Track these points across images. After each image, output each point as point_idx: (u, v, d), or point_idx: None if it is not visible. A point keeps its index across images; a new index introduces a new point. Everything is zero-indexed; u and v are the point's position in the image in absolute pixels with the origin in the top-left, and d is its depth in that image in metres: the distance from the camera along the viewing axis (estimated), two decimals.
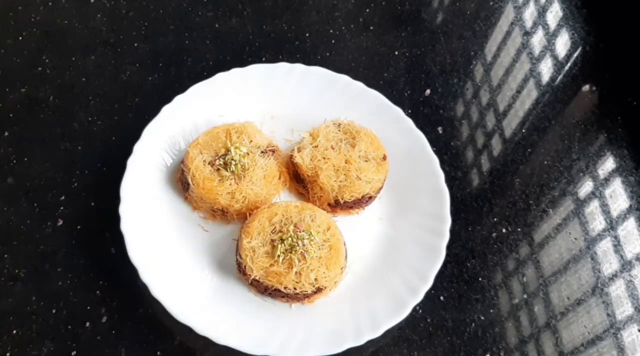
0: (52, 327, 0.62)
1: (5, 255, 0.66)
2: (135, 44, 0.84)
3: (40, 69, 0.81)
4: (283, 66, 0.78)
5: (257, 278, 0.62)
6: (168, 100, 0.72)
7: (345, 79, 0.77)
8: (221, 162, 0.67)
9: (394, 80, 0.83)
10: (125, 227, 0.63)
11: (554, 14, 0.91)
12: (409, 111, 0.80)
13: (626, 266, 0.70)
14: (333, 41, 0.87)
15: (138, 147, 0.69)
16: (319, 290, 0.63)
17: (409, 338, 0.64)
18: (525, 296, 0.68)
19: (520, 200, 0.74)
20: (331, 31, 0.88)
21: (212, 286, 0.64)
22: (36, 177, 0.72)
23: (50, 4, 0.88)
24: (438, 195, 0.69)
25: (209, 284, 0.64)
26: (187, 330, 0.60)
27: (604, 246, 0.71)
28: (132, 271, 0.62)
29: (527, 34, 0.89)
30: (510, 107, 0.82)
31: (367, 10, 0.91)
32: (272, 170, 0.69)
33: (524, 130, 0.80)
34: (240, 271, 0.64)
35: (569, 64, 0.86)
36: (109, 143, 0.75)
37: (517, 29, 0.90)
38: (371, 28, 0.89)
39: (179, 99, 0.73)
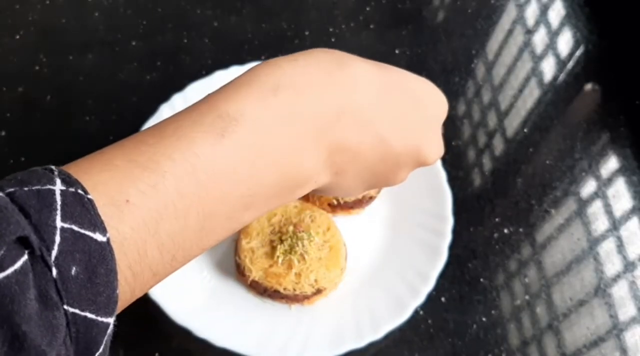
0: None
1: None
2: (133, 43, 0.84)
3: (37, 67, 0.80)
4: None
5: (256, 279, 0.61)
6: (166, 98, 0.72)
7: None
8: None
9: None
10: None
11: (556, 12, 0.91)
12: None
13: (629, 267, 0.69)
14: (333, 39, 0.86)
15: None
16: (318, 291, 0.62)
17: (410, 339, 0.64)
18: (527, 297, 0.67)
19: (522, 200, 0.73)
20: (331, 29, 0.87)
21: (210, 287, 0.63)
22: None
23: (47, 2, 0.87)
24: (440, 195, 0.68)
25: (207, 286, 0.63)
26: (186, 332, 0.59)
27: (607, 246, 0.71)
28: None
29: (529, 32, 0.89)
30: (512, 106, 0.81)
31: (368, 9, 0.90)
32: None
33: (525, 130, 0.79)
34: (239, 273, 0.63)
35: (571, 63, 0.86)
36: (107, 142, 0.74)
37: (519, 28, 0.89)
38: (371, 26, 0.88)
39: (177, 98, 0.72)
